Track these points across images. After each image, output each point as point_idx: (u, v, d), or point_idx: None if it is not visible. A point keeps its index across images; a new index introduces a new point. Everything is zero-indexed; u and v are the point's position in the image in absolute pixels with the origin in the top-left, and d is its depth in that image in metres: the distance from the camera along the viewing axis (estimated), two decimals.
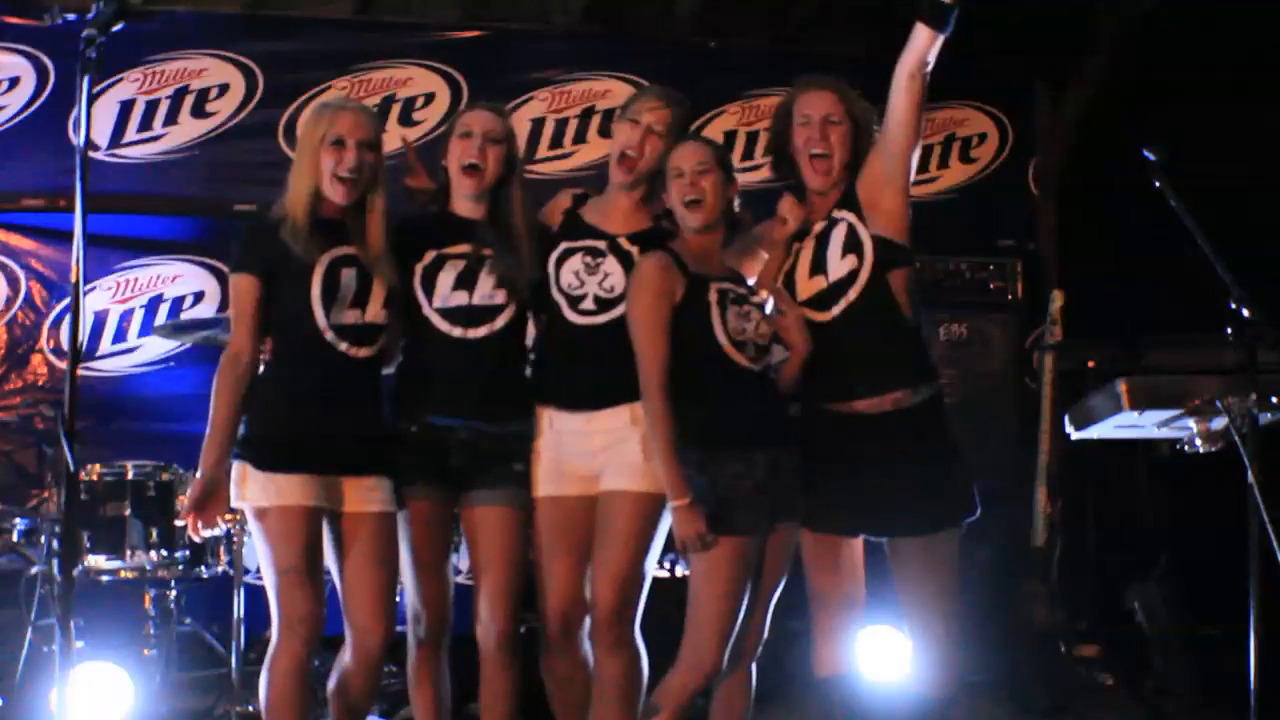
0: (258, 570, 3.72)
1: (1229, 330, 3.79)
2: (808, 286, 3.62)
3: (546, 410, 3.75)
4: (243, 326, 3.56)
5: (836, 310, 3.60)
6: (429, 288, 3.68)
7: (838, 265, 3.59)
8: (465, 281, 3.69)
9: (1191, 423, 3.91)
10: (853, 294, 3.58)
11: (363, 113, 3.68)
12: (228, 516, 4.84)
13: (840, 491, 3.56)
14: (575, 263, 3.76)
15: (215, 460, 3.51)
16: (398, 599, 3.75)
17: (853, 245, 3.58)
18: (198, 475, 3.52)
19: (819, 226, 3.65)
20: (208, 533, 3.56)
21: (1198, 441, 3.92)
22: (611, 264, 3.74)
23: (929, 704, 3.63)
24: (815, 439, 3.59)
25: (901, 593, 3.62)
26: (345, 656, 3.64)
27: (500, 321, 3.70)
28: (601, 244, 3.77)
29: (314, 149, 3.56)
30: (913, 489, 3.54)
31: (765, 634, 3.69)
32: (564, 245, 3.79)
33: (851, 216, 3.60)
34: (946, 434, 3.65)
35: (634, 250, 3.73)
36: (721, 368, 3.53)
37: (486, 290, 3.69)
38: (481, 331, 3.69)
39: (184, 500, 3.58)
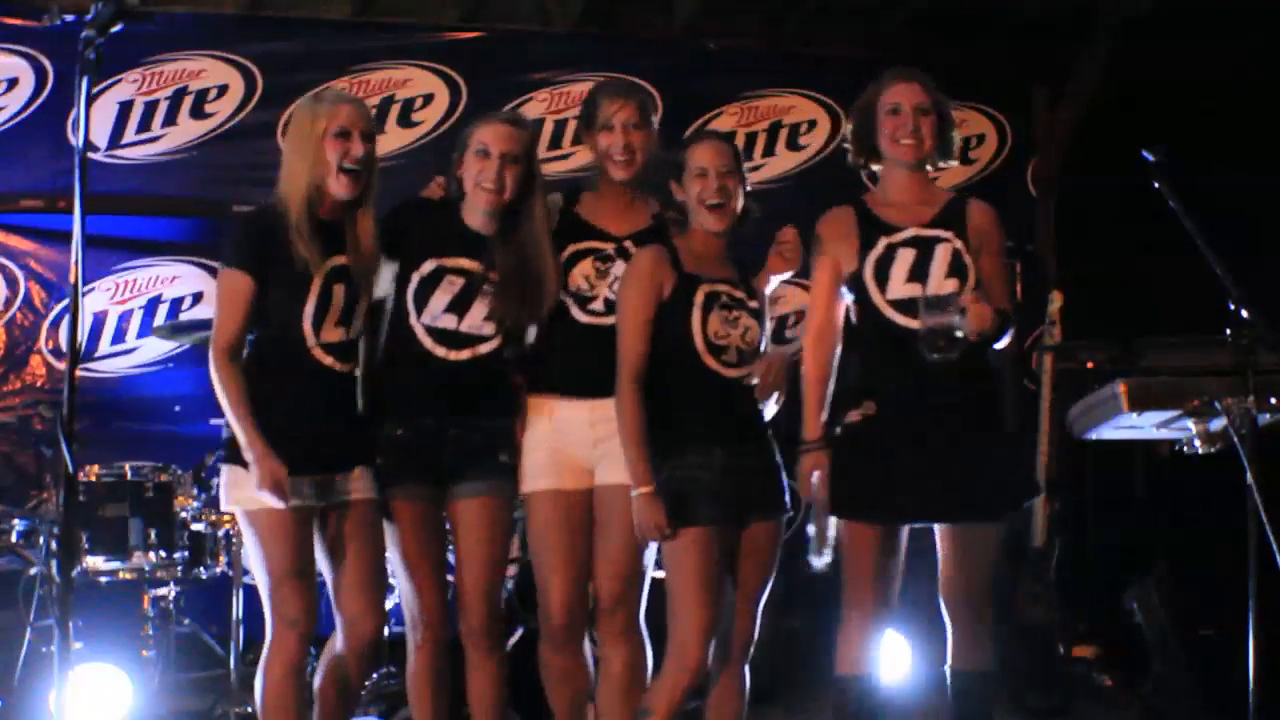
0: None
1: (1228, 330, 3.79)
2: (903, 289, 3.64)
3: (546, 400, 3.76)
4: (235, 323, 3.50)
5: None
6: (421, 301, 3.66)
7: (940, 283, 3.62)
8: (458, 305, 3.66)
9: (1190, 424, 3.91)
10: None
11: (361, 104, 3.66)
12: (226, 519, 4.87)
13: (909, 482, 3.59)
14: (585, 267, 3.77)
15: (262, 437, 3.44)
16: (397, 601, 3.75)
17: (957, 270, 3.64)
18: (256, 460, 3.42)
19: (915, 232, 3.67)
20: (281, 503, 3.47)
21: (1196, 442, 3.93)
22: (621, 267, 3.75)
23: (975, 679, 3.71)
24: (886, 435, 3.61)
25: (956, 576, 3.67)
26: (336, 647, 3.63)
27: (484, 349, 3.70)
28: (609, 246, 3.79)
29: (315, 142, 3.50)
30: (985, 473, 3.61)
31: (755, 635, 3.70)
32: (571, 248, 3.79)
33: (958, 242, 3.66)
34: (1006, 422, 3.76)
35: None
36: (693, 370, 3.58)
37: (476, 320, 3.68)
38: (464, 355, 3.68)
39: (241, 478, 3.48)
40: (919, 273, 3.64)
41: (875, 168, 3.79)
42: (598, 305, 3.75)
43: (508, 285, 3.67)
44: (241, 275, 3.51)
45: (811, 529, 3.74)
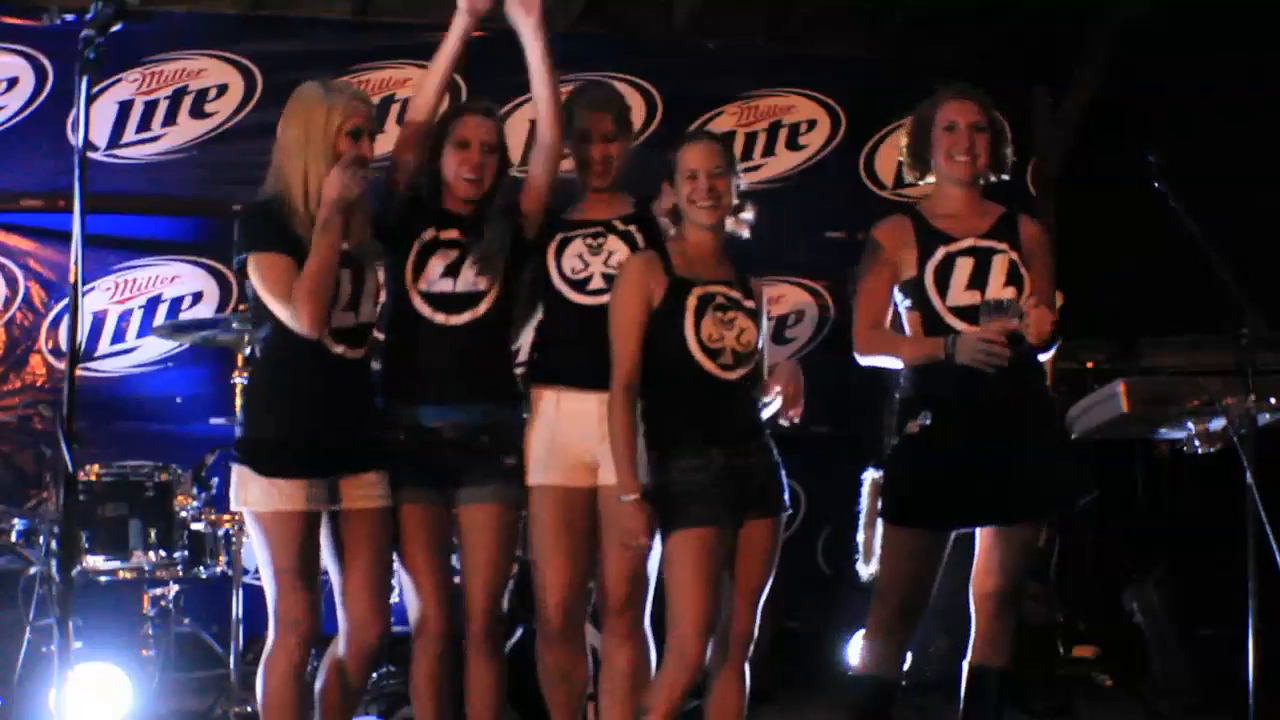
0: (256, 570, 3.72)
1: (1228, 330, 3.80)
2: (963, 296, 3.68)
3: (549, 391, 3.76)
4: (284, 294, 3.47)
5: None
6: (419, 269, 3.69)
7: (1000, 292, 3.67)
8: (452, 270, 3.69)
9: (1190, 424, 3.92)
10: None
11: (372, 105, 3.70)
12: (225, 518, 4.86)
13: (964, 486, 3.62)
14: (577, 246, 3.79)
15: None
16: (396, 599, 3.75)
17: (1015, 279, 3.70)
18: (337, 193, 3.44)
19: (973, 242, 3.72)
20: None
21: (1196, 442, 3.94)
22: (614, 243, 3.78)
23: (993, 677, 3.76)
24: (942, 441, 3.64)
25: (994, 573, 3.71)
26: (338, 651, 3.63)
27: (483, 307, 3.70)
28: (598, 227, 3.80)
29: (329, 136, 3.51)
30: (1038, 474, 3.64)
31: (755, 634, 3.69)
32: (559, 235, 3.80)
33: (1013, 254, 3.72)
34: (1058, 420, 3.85)
35: (631, 228, 3.79)
36: (689, 373, 3.58)
37: (469, 279, 3.69)
38: (464, 318, 3.69)
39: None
40: (978, 281, 3.68)
41: (929, 180, 3.83)
42: (596, 284, 3.75)
43: (489, 242, 3.69)
44: (273, 255, 3.47)
45: (860, 538, 3.77)
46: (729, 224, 3.69)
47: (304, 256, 3.47)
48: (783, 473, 3.69)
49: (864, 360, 3.78)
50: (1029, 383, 3.70)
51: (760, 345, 3.68)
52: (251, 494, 3.50)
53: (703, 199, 3.61)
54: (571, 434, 3.73)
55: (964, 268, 3.69)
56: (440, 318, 3.68)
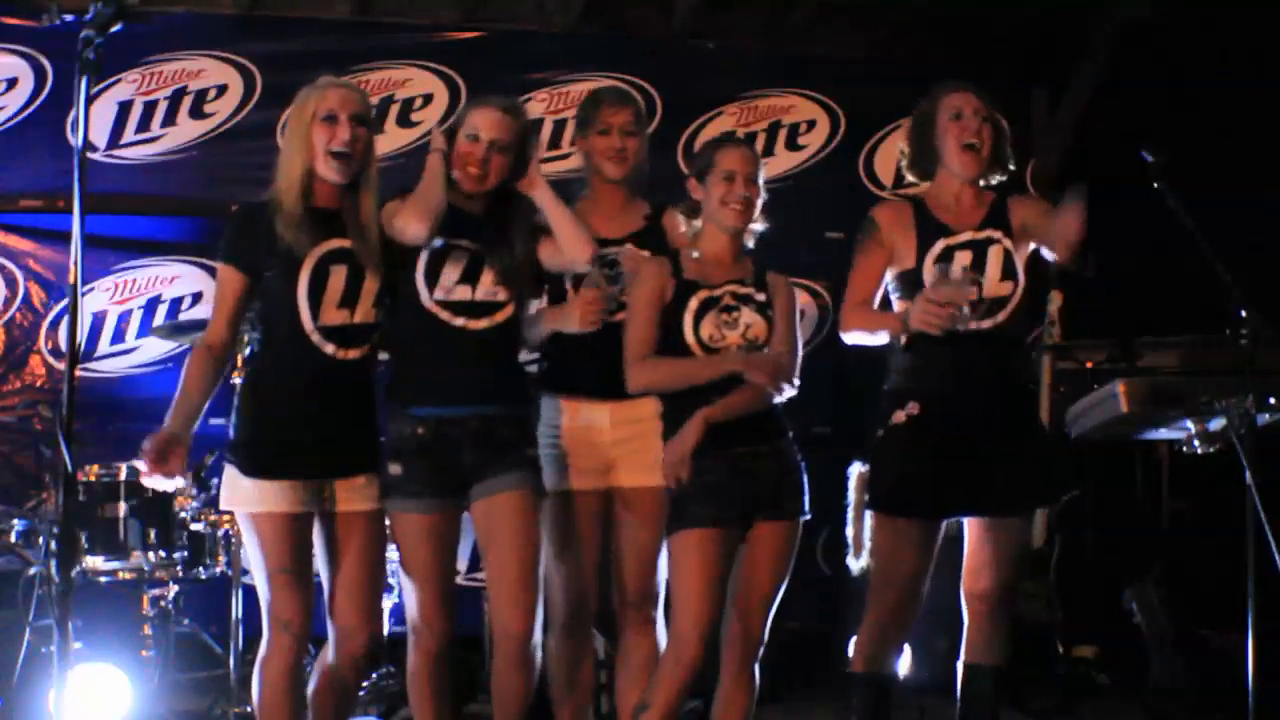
0: None
1: (1228, 330, 3.80)
2: None
3: (566, 402, 3.83)
4: (220, 319, 3.53)
5: (987, 324, 3.67)
6: (432, 278, 3.64)
7: (995, 285, 3.69)
8: (469, 276, 3.65)
9: (1190, 424, 3.92)
10: (1002, 316, 3.70)
11: (351, 88, 3.65)
12: (225, 518, 4.87)
13: (952, 476, 3.63)
14: (593, 275, 3.82)
15: (181, 422, 3.48)
16: (396, 600, 3.75)
17: (1010, 272, 3.71)
18: (162, 429, 3.47)
19: (970, 235, 3.73)
20: (166, 484, 3.49)
21: (1196, 442, 3.93)
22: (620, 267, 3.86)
23: (988, 675, 3.77)
24: (929, 432, 3.65)
25: (985, 569, 3.73)
26: (328, 657, 3.62)
27: (501, 317, 3.68)
28: (609, 252, 3.85)
29: (305, 127, 3.51)
30: (1026, 467, 3.67)
31: (765, 637, 3.70)
32: None
33: (1007, 242, 3.73)
34: (1040, 413, 3.90)
35: (643, 254, 3.85)
36: None
37: (489, 287, 3.66)
38: (483, 324, 3.66)
39: (149, 456, 3.48)
40: (975, 272, 3.69)
41: (927, 185, 3.83)
42: None
43: (504, 249, 3.68)
44: (229, 269, 3.53)
45: (849, 532, 3.77)
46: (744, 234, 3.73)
47: (272, 253, 3.48)
48: (803, 476, 3.69)
49: (847, 338, 3.79)
50: (1012, 375, 3.73)
51: (774, 335, 3.68)
52: (241, 494, 3.50)
53: (736, 202, 3.65)
54: (584, 440, 3.80)
55: (961, 261, 3.70)
56: (459, 321, 3.64)
